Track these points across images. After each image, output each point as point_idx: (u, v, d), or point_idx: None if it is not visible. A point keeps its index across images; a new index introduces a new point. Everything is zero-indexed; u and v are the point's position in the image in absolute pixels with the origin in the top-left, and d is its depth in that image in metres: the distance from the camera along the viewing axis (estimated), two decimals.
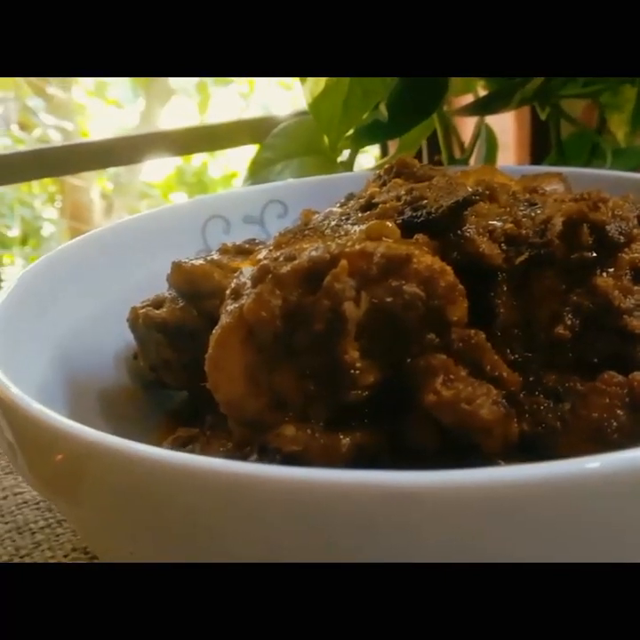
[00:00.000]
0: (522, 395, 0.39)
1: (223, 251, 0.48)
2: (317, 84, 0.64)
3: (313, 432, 0.38)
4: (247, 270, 0.40)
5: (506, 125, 0.95)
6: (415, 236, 0.41)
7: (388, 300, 0.37)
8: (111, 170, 2.32)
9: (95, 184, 2.47)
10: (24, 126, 2.35)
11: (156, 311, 0.46)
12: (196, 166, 2.66)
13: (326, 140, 0.66)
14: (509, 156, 0.97)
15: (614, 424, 0.36)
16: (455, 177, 0.50)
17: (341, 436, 0.38)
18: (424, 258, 0.38)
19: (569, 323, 0.39)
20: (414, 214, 0.43)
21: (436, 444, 0.37)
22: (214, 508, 0.29)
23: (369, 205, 0.47)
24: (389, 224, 0.41)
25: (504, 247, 0.43)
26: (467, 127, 0.96)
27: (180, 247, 0.60)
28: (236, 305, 0.38)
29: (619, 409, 0.36)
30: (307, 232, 0.42)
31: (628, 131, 0.72)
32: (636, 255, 0.39)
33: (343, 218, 0.48)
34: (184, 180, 2.61)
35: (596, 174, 0.63)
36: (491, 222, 0.44)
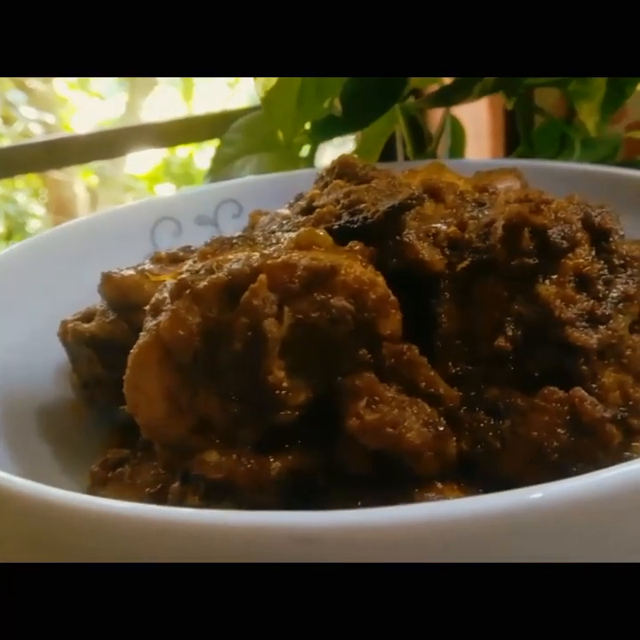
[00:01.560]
0: (462, 411, 0.37)
1: (156, 259, 0.46)
2: (270, 78, 0.61)
3: (239, 457, 0.35)
4: (169, 283, 0.37)
5: (479, 115, 0.92)
6: (349, 244, 0.39)
7: (314, 314, 0.35)
8: (95, 163, 2.29)
9: (79, 178, 2.44)
10: (6, 120, 2.32)
11: (85, 325, 0.44)
12: (182, 157, 2.63)
13: (280, 135, 0.63)
14: (483, 145, 0.94)
15: (555, 444, 0.34)
16: (402, 176, 0.48)
17: (271, 460, 0.36)
18: (352, 269, 0.35)
19: (510, 334, 0.36)
20: (351, 220, 0.41)
21: (367, 468, 0.34)
22: (108, 550, 0.27)
23: (309, 208, 0.45)
24: (320, 232, 0.38)
25: (447, 252, 0.41)
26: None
27: (129, 252, 0.58)
28: (154, 322, 0.36)
29: (559, 428, 0.34)
30: (235, 241, 0.39)
31: (598, 120, 0.70)
32: (580, 261, 0.37)
33: (284, 222, 0.46)
34: (170, 172, 2.58)
35: (560, 168, 0.61)
36: (434, 225, 0.42)
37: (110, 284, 0.44)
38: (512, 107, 0.68)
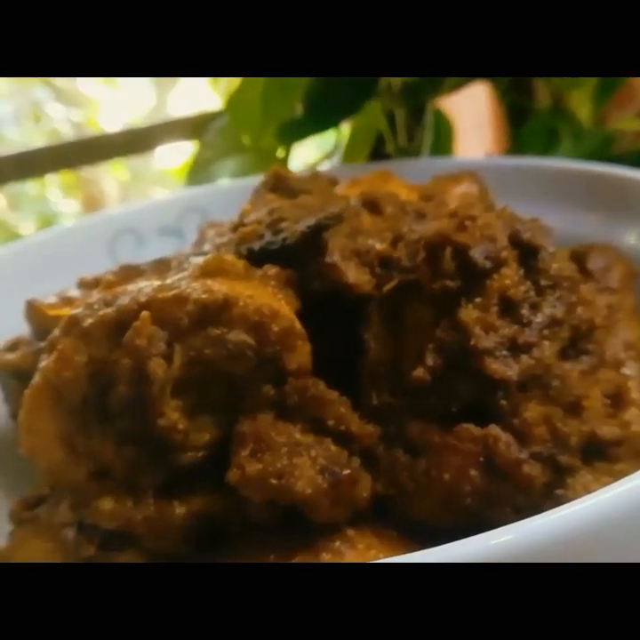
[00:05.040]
0: (380, 448, 0.34)
1: (81, 284, 0.44)
2: (232, 80, 0.59)
3: (137, 503, 0.33)
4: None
5: (481, 104, 0.88)
6: (264, 268, 0.36)
7: (208, 351, 0.32)
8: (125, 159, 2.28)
9: (110, 174, 2.45)
10: (35, 118, 2.33)
11: (8, 355, 0.42)
12: None
13: (246, 140, 0.61)
14: (486, 135, 0.90)
15: (467, 488, 0.31)
16: (344, 187, 0.45)
17: (176, 505, 0.34)
18: (252, 299, 0.33)
19: (430, 363, 0.33)
20: (271, 240, 0.38)
21: (264, 517, 0.32)
22: None
23: (240, 225, 0.42)
24: (228, 257, 0.36)
25: (378, 271, 0.38)
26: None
27: (87, 269, 0.56)
28: (45, 362, 0.34)
29: (473, 469, 0.31)
30: (144, 268, 0.37)
31: (592, 109, 0.66)
32: (507, 282, 0.34)
33: (217, 239, 0.44)
34: None
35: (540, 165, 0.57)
36: (368, 242, 0.39)
37: (33, 311, 0.42)
38: (500, 99, 0.65)
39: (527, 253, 0.34)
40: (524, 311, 0.33)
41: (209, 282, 0.34)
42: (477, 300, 0.34)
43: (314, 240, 0.37)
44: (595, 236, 0.48)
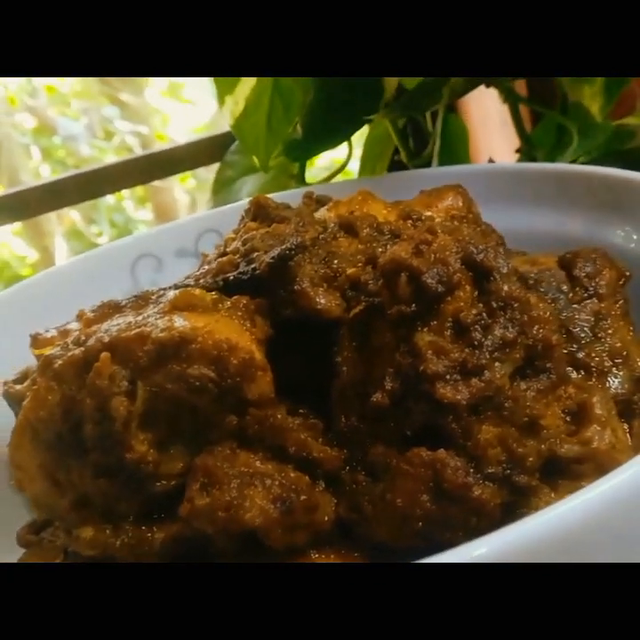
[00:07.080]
0: (345, 471, 0.35)
1: (80, 316, 0.46)
2: (237, 104, 0.60)
3: (115, 531, 0.35)
4: None
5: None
6: (233, 299, 0.38)
7: (170, 386, 0.34)
8: None
9: (178, 183, 2.51)
10: (106, 135, 2.41)
11: (17, 386, 0.44)
12: None
13: (256, 160, 0.62)
14: (511, 131, 0.89)
15: (419, 512, 0.32)
16: (325, 210, 0.46)
17: (154, 530, 0.36)
18: (210, 334, 0.34)
19: (389, 388, 0.34)
20: (242, 271, 0.39)
21: (228, 546, 0.33)
22: None
23: (224, 254, 0.44)
24: (196, 291, 0.37)
25: (350, 294, 0.39)
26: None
27: (109, 294, 0.58)
28: (26, 401, 0.36)
29: (423, 494, 0.32)
30: (125, 303, 0.39)
31: (604, 102, 0.65)
32: (460, 304, 0.34)
33: (203, 268, 0.45)
34: None
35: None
36: (341, 265, 0.40)
37: (37, 344, 0.44)
38: (504, 100, 0.64)
39: (480, 275, 0.34)
40: (476, 333, 0.33)
41: (175, 317, 0.35)
42: (433, 323, 0.34)
43: (281, 269, 0.38)
44: (584, 237, 0.48)
